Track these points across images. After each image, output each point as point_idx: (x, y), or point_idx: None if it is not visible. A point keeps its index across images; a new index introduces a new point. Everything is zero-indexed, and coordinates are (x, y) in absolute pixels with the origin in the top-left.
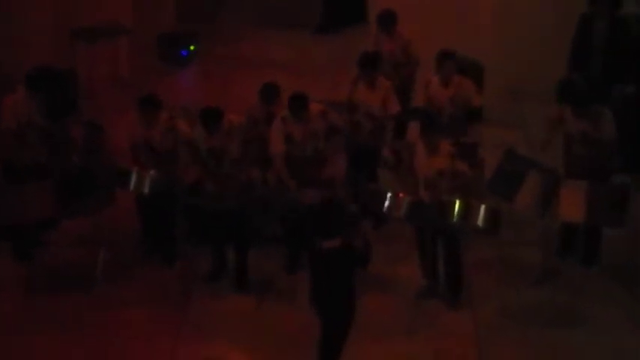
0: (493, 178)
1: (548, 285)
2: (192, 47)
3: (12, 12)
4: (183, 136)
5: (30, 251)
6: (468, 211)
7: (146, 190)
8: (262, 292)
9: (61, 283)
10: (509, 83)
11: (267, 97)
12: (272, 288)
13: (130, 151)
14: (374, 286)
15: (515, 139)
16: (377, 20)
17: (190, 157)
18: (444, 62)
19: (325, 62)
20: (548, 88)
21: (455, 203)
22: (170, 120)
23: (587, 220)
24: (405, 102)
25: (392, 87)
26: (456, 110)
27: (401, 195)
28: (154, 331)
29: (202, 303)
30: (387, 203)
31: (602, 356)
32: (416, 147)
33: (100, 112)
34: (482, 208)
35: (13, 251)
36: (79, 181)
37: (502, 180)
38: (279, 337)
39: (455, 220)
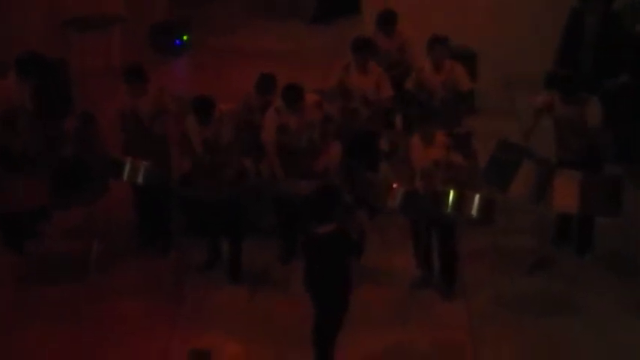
0: (487, 168)
1: (542, 274)
2: (185, 37)
3: (3, 2)
4: (169, 109)
5: (21, 242)
6: (462, 201)
7: (140, 180)
8: (256, 283)
9: (55, 274)
10: (504, 73)
11: (264, 88)
12: (267, 279)
13: (118, 120)
14: (368, 277)
15: (510, 129)
16: (377, 20)
17: (184, 148)
18: (435, 47)
19: (319, 53)
20: (542, 78)
21: (449, 193)
22: (160, 94)
23: (581, 211)
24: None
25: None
26: (448, 94)
27: (395, 185)
28: (149, 322)
29: (197, 294)
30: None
31: (597, 344)
32: (412, 138)
33: (92, 102)
34: (477, 197)
35: (3, 241)
36: (72, 172)
37: (496, 169)
38: (274, 327)
39: (449, 210)
